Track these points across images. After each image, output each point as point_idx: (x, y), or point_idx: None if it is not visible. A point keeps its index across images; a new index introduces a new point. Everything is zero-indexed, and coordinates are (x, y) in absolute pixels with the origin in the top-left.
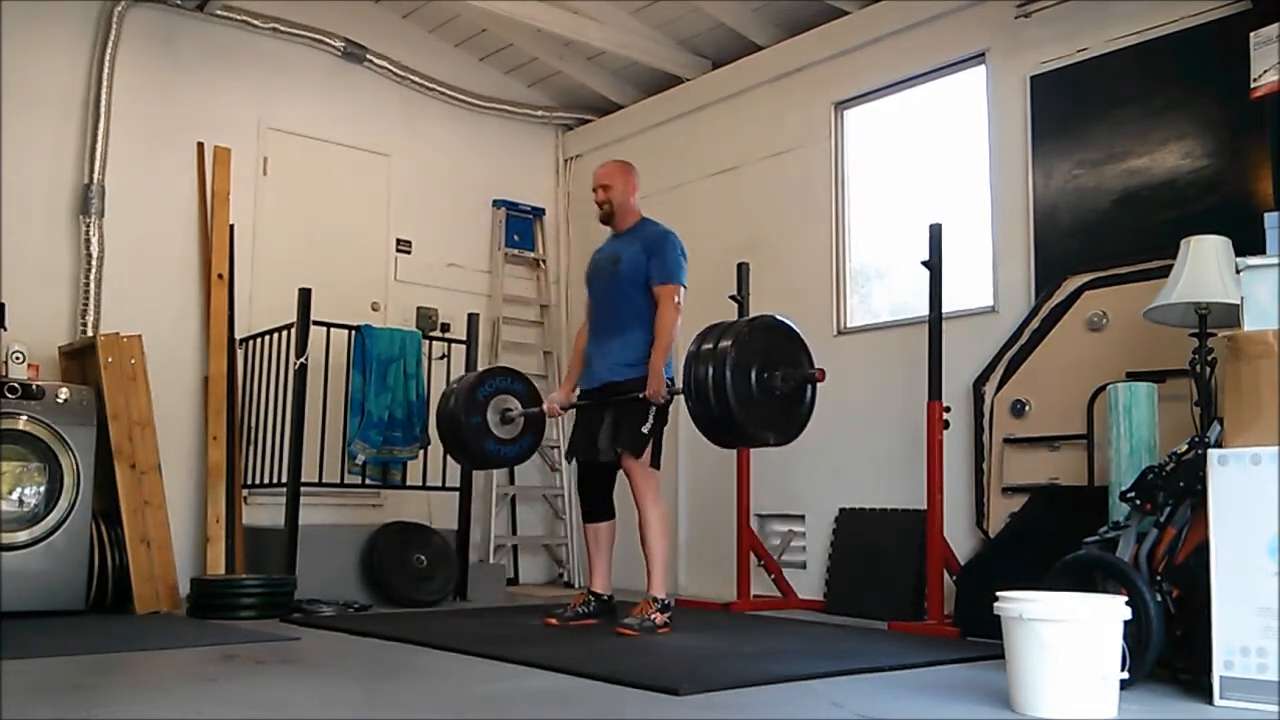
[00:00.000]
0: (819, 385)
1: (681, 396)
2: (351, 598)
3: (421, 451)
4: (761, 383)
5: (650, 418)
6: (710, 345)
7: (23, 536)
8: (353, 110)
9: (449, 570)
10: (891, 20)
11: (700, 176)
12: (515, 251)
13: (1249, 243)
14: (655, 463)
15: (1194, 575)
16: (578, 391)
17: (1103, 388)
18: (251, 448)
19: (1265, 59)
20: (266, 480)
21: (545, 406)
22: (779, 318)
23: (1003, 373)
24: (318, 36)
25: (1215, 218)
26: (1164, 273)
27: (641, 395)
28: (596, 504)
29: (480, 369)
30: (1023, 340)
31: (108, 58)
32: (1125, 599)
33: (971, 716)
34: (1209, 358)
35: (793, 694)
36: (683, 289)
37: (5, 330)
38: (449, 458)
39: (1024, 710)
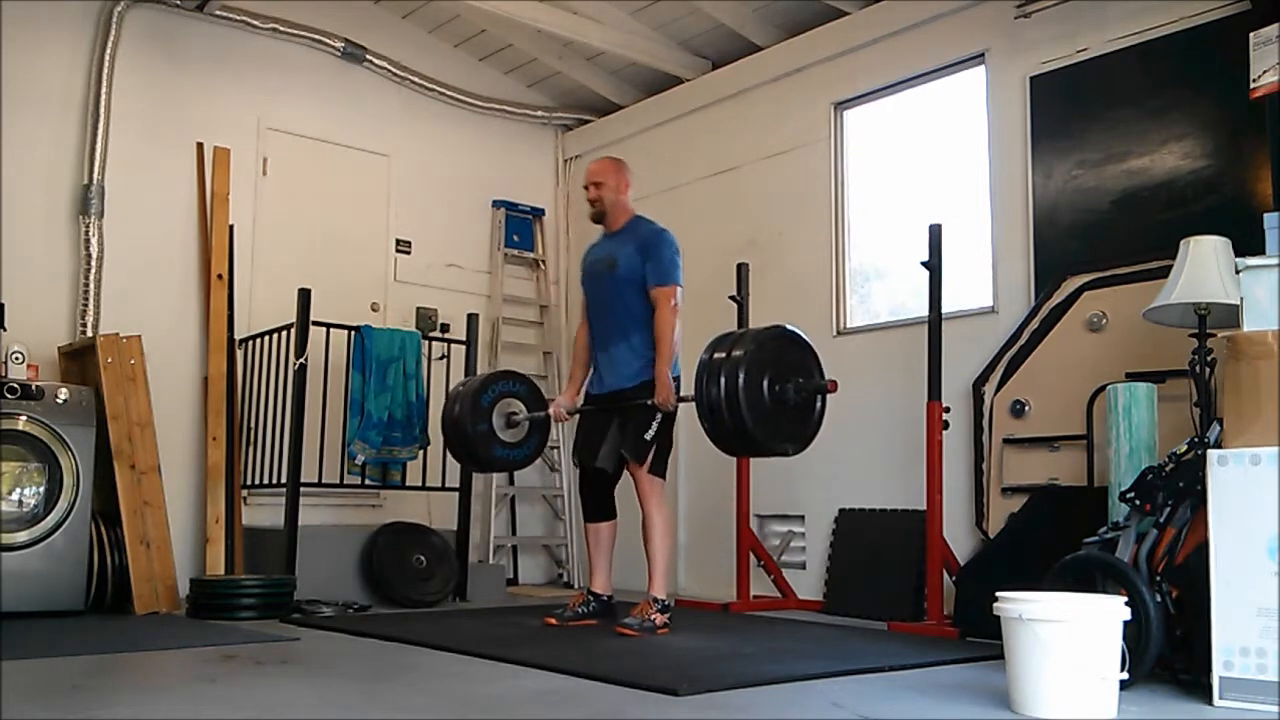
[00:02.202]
0: (829, 386)
1: (692, 405)
2: (351, 598)
3: (421, 452)
4: (774, 394)
5: (654, 424)
6: (722, 355)
7: (22, 537)
8: (352, 110)
9: (449, 570)
10: (891, 20)
11: (700, 176)
12: (515, 252)
13: (1248, 243)
14: (659, 470)
15: (1194, 575)
16: (583, 394)
17: (1102, 388)
18: (251, 448)
19: (1265, 59)
20: (266, 480)
21: (551, 410)
22: (789, 327)
23: (1002, 373)
24: (318, 36)
25: (1215, 218)
26: (1164, 273)
27: (650, 402)
28: (598, 504)
29: (483, 372)
30: (1022, 341)
31: (107, 58)
32: (1125, 599)
33: (971, 716)
34: (1208, 358)
35: (793, 694)
36: (680, 289)
37: (5, 330)
38: (450, 458)
39: (1023, 710)
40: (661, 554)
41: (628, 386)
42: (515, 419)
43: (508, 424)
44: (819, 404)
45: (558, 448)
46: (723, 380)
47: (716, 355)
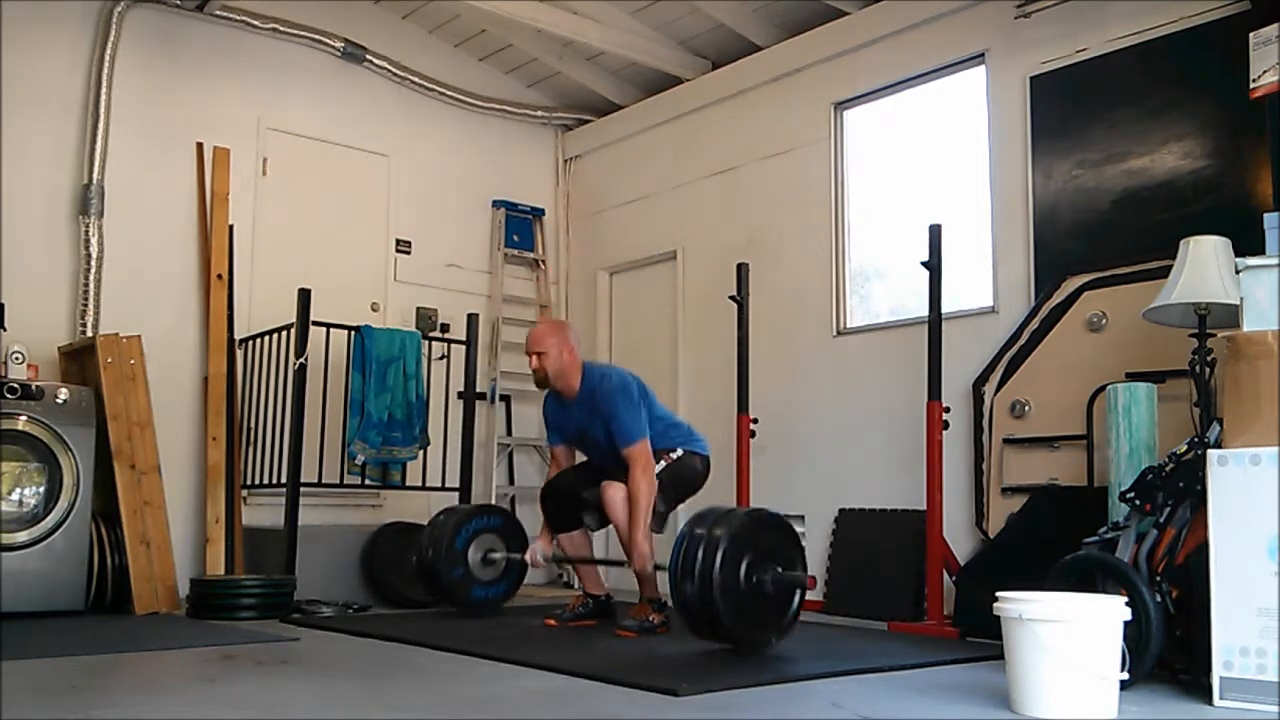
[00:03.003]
0: (808, 582)
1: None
2: (351, 598)
3: (421, 452)
4: (750, 580)
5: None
6: (703, 531)
7: (22, 537)
8: (352, 110)
9: None
10: (891, 20)
11: (700, 176)
12: (515, 252)
13: (1248, 243)
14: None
15: (1194, 576)
16: (557, 541)
17: (1102, 388)
18: (251, 448)
19: (1265, 59)
20: (266, 481)
21: (527, 556)
22: (773, 513)
23: (1002, 373)
24: (318, 36)
25: (1215, 218)
26: (1164, 273)
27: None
28: (564, 519)
29: (457, 513)
30: (1022, 341)
31: (107, 58)
32: (1125, 599)
33: (971, 717)
34: (1208, 358)
35: (793, 694)
36: (646, 440)
37: (5, 330)
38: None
39: (1023, 711)
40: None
41: None
42: (492, 557)
43: (484, 561)
44: (797, 599)
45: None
46: (701, 554)
47: (698, 530)
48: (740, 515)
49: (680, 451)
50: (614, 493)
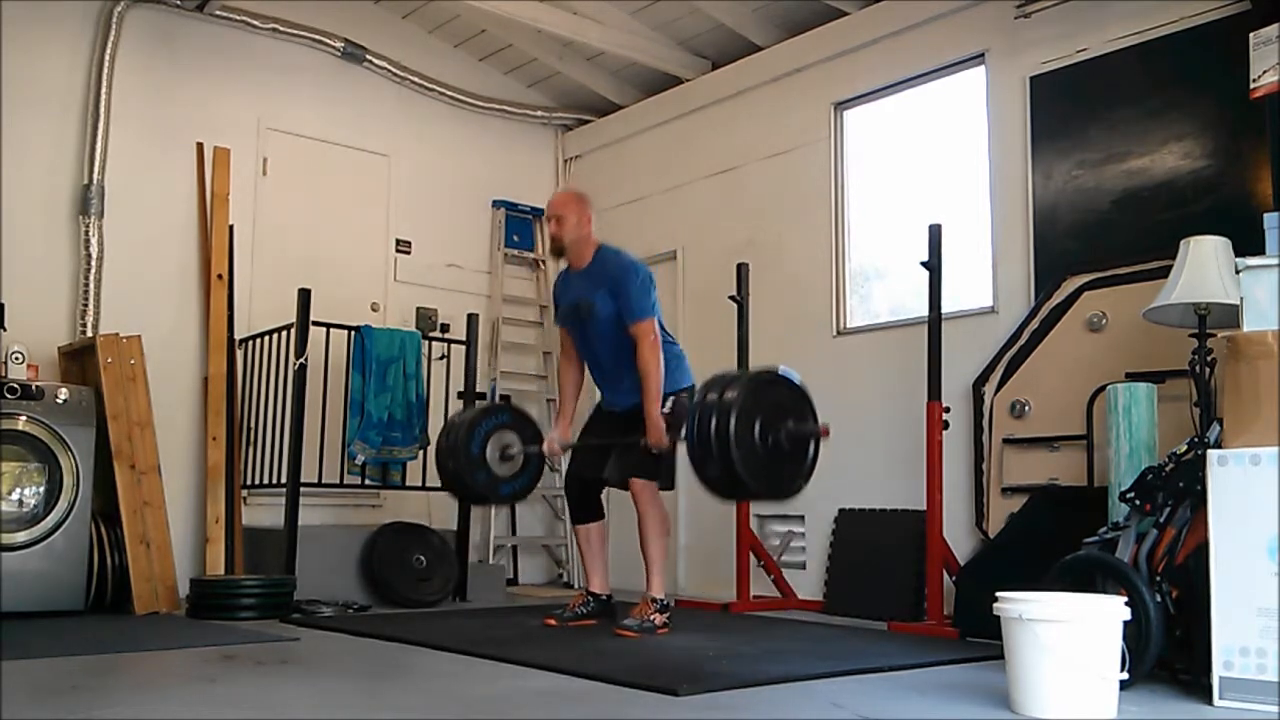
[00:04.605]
0: (821, 431)
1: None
2: (351, 598)
3: (421, 452)
4: (765, 438)
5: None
6: (715, 396)
7: (22, 537)
8: (352, 110)
9: (449, 570)
10: (891, 20)
11: (700, 176)
12: (515, 252)
13: (1248, 243)
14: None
15: (1194, 576)
16: (575, 426)
17: (1102, 388)
18: (251, 448)
19: (1265, 59)
20: (266, 481)
21: (545, 447)
22: (784, 371)
23: (1002, 373)
24: (318, 37)
25: (1215, 218)
26: (1164, 273)
27: (644, 443)
28: (585, 507)
29: (466, 415)
30: (1022, 341)
31: (107, 58)
32: (1125, 599)
33: (971, 717)
34: (1208, 358)
35: (793, 694)
36: (655, 320)
37: (5, 330)
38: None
39: (1023, 711)
40: (658, 553)
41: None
42: (510, 453)
43: (502, 458)
44: (811, 450)
45: None
46: (714, 419)
47: (710, 395)
48: (748, 377)
49: (679, 395)
50: (640, 513)
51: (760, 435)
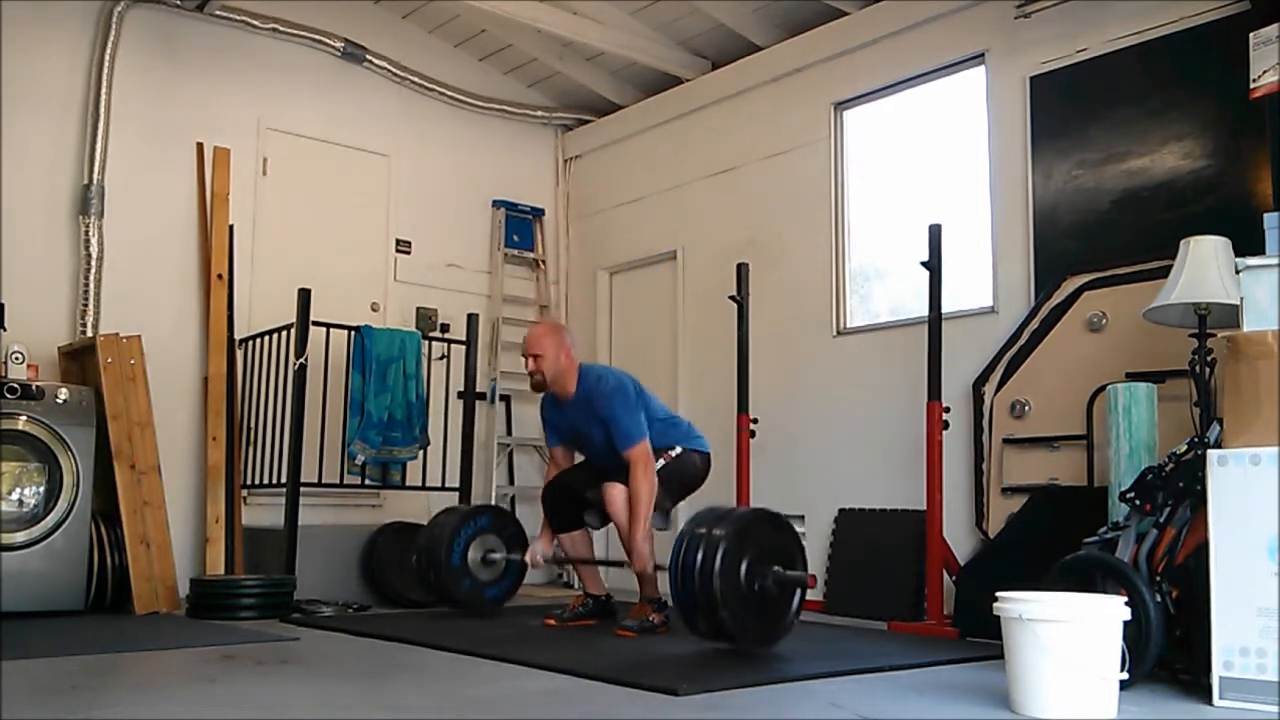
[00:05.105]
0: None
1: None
2: (351, 598)
3: (421, 452)
4: (750, 579)
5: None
6: (704, 530)
7: (22, 537)
8: (352, 110)
9: None
10: (891, 20)
11: (700, 176)
12: (515, 252)
13: (1248, 243)
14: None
15: (1194, 576)
16: (558, 540)
17: (1102, 388)
18: (251, 448)
19: (1265, 59)
20: (266, 480)
21: (527, 557)
22: (774, 512)
23: (1002, 373)
24: (318, 36)
25: (1215, 218)
26: (1164, 273)
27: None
28: (561, 515)
29: (448, 522)
30: (1022, 341)
31: (107, 58)
32: (1125, 599)
33: (971, 717)
34: (1208, 358)
35: (792, 694)
36: (646, 440)
37: (5, 330)
38: (450, 458)
39: (1023, 711)
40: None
41: None
42: (492, 558)
43: (484, 561)
44: (796, 598)
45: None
46: (701, 553)
47: (699, 529)
48: (740, 514)
49: (680, 449)
50: (615, 493)
51: (746, 574)
